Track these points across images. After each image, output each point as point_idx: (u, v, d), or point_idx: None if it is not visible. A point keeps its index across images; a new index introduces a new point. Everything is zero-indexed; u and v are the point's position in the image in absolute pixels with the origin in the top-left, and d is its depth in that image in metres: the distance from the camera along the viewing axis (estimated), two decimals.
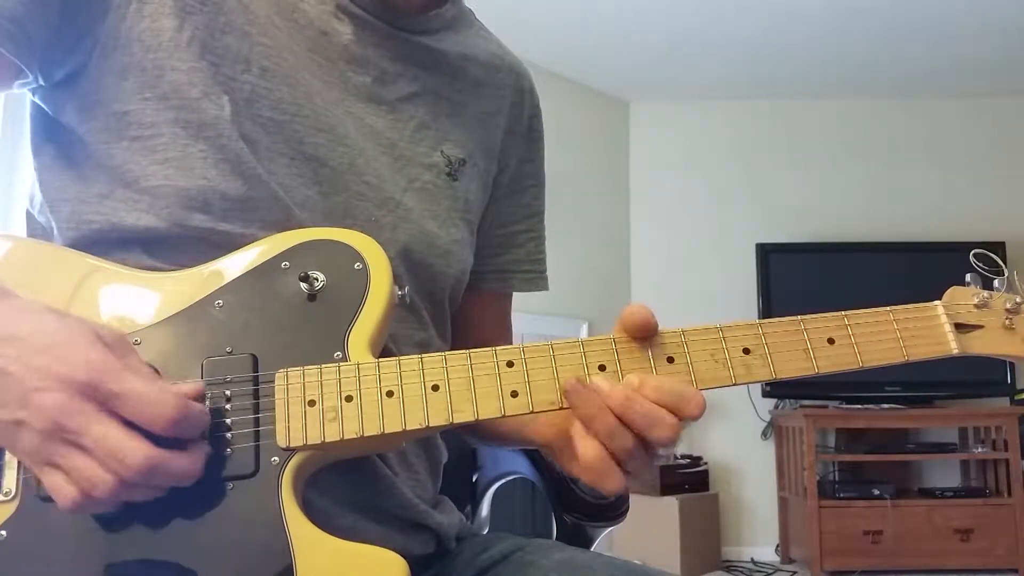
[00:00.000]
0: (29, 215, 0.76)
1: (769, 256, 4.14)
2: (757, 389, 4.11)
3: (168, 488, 0.55)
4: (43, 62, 0.69)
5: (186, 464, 0.55)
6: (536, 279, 0.94)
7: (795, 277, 4.05)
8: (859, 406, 3.88)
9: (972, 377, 3.99)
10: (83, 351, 0.53)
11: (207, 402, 0.60)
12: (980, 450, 3.86)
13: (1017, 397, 3.91)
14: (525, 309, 0.96)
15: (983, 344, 0.69)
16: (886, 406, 3.85)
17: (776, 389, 4.07)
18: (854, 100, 4.43)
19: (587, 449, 0.60)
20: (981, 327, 0.69)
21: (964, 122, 4.43)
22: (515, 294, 0.96)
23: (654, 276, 4.38)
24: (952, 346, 0.68)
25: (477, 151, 0.86)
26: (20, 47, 0.67)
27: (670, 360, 0.63)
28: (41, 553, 0.56)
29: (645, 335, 0.63)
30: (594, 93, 4.39)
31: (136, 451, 0.52)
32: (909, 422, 3.92)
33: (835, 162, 4.42)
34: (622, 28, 3.76)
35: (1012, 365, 3.95)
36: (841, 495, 3.73)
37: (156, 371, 0.59)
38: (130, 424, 0.53)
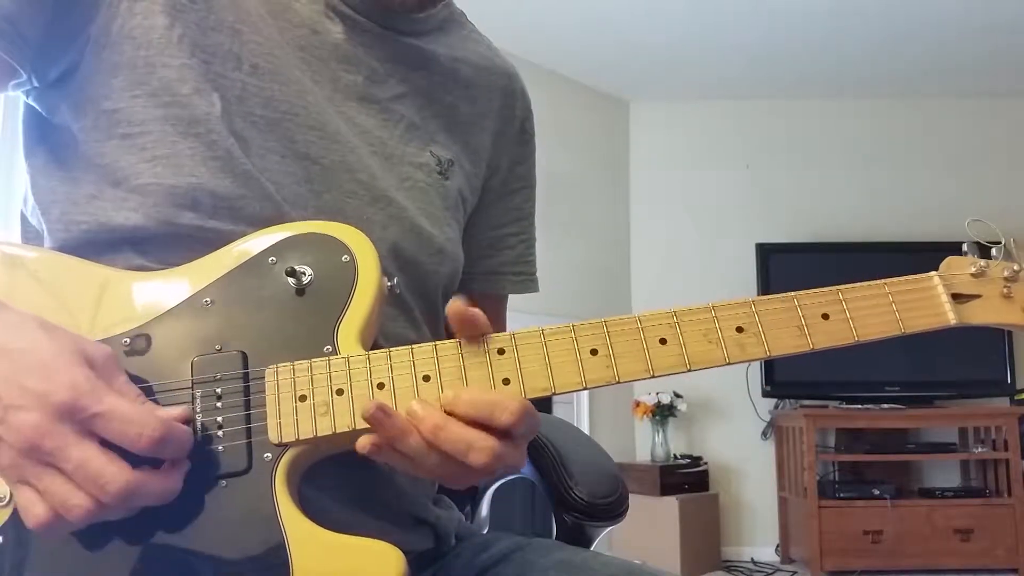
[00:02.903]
0: (23, 216, 0.76)
1: (769, 256, 4.14)
2: (757, 389, 4.11)
3: (141, 508, 0.54)
4: (36, 61, 0.69)
5: (165, 485, 0.54)
6: (526, 281, 0.94)
7: (795, 277, 4.04)
8: (859, 406, 3.88)
9: (972, 377, 3.99)
10: (67, 372, 0.53)
11: (198, 403, 0.60)
12: (980, 450, 3.86)
13: (1017, 397, 3.91)
14: (524, 309, 0.96)
15: (981, 313, 0.67)
16: (886, 406, 3.85)
17: (776, 389, 4.08)
18: (854, 100, 4.43)
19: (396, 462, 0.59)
20: (979, 296, 0.67)
21: (964, 122, 4.42)
22: (514, 295, 0.96)
23: (654, 276, 4.38)
24: (949, 316, 0.66)
25: (464, 153, 0.86)
26: (13, 45, 0.67)
27: (663, 342, 0.62)
28: (38, 557, 0.56)
29: (471, 329, 0.61)
30: (594, 93, 4.39)
31: (116, 476, 0.51)
32: (909, 422, 3.92)
33: (835, 162, 4.42)
34: (622, 28, 3.76)
35: (1012, 364, 3.95)
36: (841, 495, 3.73)
37: (145, 391, 0.58)
38: (108, 445, 0.52)
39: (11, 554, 0.56)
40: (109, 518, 0.54)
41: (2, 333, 0.55)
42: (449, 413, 0.58)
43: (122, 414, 0.52)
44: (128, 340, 0.61)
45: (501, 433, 0.58)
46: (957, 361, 3.90)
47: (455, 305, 0.61)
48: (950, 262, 0.68)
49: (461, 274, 0.86)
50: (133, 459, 0.53)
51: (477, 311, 0.61)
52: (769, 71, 4.19)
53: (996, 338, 3.99)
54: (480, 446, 0.57)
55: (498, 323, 0.96)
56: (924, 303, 0.66)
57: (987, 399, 4.05)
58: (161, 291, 0.64)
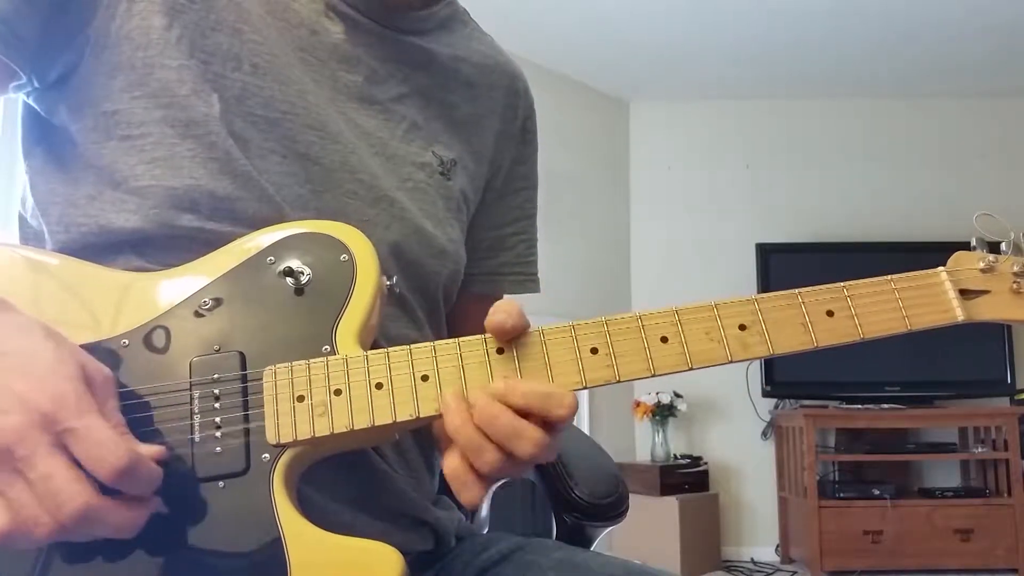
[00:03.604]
0: (21, 218, 0.75)
1: (769, 256, 4.14)
2: (757, 389, 4.11)
3: (104, 536, 0.53)
4: (35, 63, 0.69)
5: (126, 518, 0.52)
6: (526, 282, 0.93)
7: (795, 277, 4.00)
8: (859, 406, 3.88)
9: (972, 377, 3.99)
10: (58, 383, 0.51)
11: (196, 404, 0.59)
12: (980, 450, 3.86)
13: (1017, 397, 3.91)
14: (524, 310, 0.95)
15: (990, 310, 0.65)
16: (886, 406, 3.85)
17: (776, 389, 4.07)
18: (854, 100, 4.42)
19: (450, 461, 0.59)
20: (987, 292, 0.65)
21: (964, 122, 4.42)
22: (515, 296, 0.95)
23: (654, 276, 4.38)
24: (957, 313, 0.64)
25: (466, 153, 0.86)
26: (11, 48, 0.67)
27: (664, 340, 0.61)
28: (37, 559, 0.56)
29: (507, 337, 0.61)
30: (594, 93, 4.38)
31: (75, 497, 0.50)
32: (909, 422, 3.92)
33: (835, 162, 4.42)
34: (622, 28, 3.76)
35: (1012, 364, 3.95)
36: (841, 495, 3.73)
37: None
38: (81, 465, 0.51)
39: (8, 555, 0.56)
40: (74, 539, 0.52)
41: (5, 334, 0.55)
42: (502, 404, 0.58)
43: (94, 436, 0.51)
44: (127, 342, 0.61)
45: (550, 425, 0.58)
46: (957, 361, 3.90)
47: (492, 323, 0.61)
48: (958, 257, 0.67)
49: (463, 275, 0.86)
50: (103, 487, 0.51)
51: (514, 322, 0.61)
52: (769, 71, 4.19)
53: (996, 338, 3.99)
54: (531, 436, 0.57)
55: None
56: (931, 299, 0.65)
57: (987, 399, 4.05)
58: (159, 292, 0.64)
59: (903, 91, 4.37)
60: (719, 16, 3.65)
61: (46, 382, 0.51)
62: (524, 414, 0.57)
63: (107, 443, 0.51)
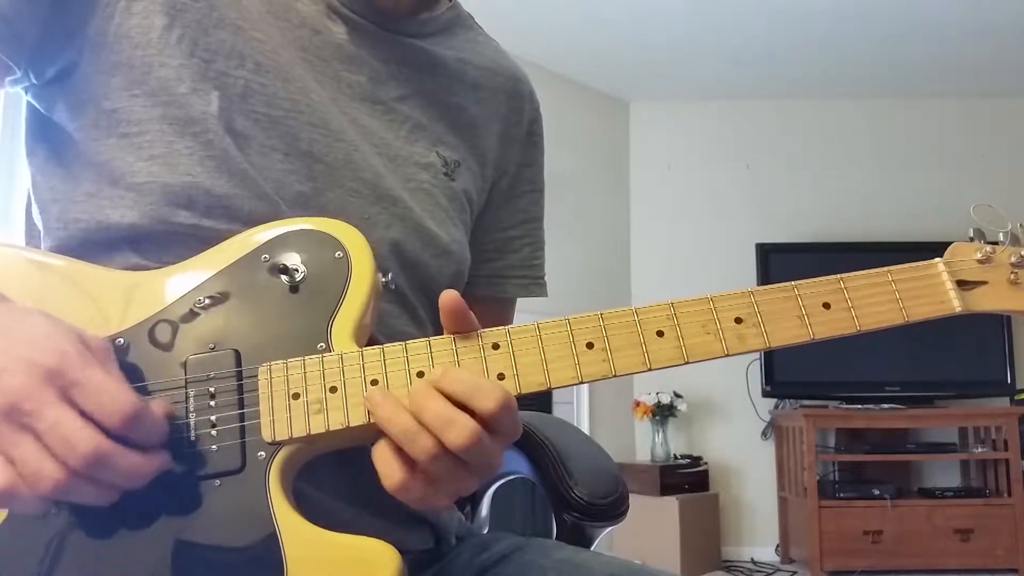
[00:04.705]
0: (27, 214, 0.76)
1: (769, 256, 4.14)
2: (757, 389, 4.11)
3: (114, 493, 0.53)
4: (33, 60, 0.69)
5: (136, 462, 0.53)
6: (531, 285, 0.93)
7: (795, 277, 4.00)
8: (859, 406, 3.88)
9: (972, 377, 3.99)
10: (59, 343, 0.53)
11: (191, 402, 0.59)
12: (980, 450, 3.86)
13: (1017, 397, 3.91)
14: (525, 310, 0.95)
15: (987, 300, 0.65)
16: (886, 406, 3.85)
17: (776, 389, 4.07)
18: (854, 100, 4.42)
19: (379, 454, 0.57)
20: (985, 283, 0.65)
21: (964, 122, 4.42)
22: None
23: (654, 276, 4.37)
24: (954, 304, 0.64)
25: (470, 155, 0.86)
26: (9, 45, 0.67)
27: (660, 334, 0.61)
28: (35, 557, 0.56)
29: (461, 325, 0.61)
30: (594, 93, 4.38)
31: (88, 439, 0.51)
32: (909, 422, 3.92)
33: (835, 162, 4.42)
34: (622, 28, 3.76)
35: (1012, 364, 3.95)
36: (841, 495, 3.73)
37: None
38: (88, 418, 0.52)
39: (7, 554, 0.56)
40: (80, 496, 0.52)
41: (4, 318, 0.56)
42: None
43: (99, 386, 0.52)
44: (123, 340, 0.61)
45: (482, 421, 0.56)
46: (957, 361, 3.90)
47: (450, 296, 0.60)
48: (955, 249, 0.67)
49: (467, 276, 0.86)
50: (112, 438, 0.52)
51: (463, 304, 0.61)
52: (769, 71, 4.19)
53: (996, 338, 3.99)
54: (461, 424, 0.55)
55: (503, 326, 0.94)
56: (928, 291, 0.64)
57: (987, 399, 4.05)
58: (155, 290, 0.64)
59: (903, 91, 4.37)
60: (719, 16, 3.65)
61: (47, 344, 0.53)
62: (459, 405, 0.56)
63: (113, 391, 0.52)
